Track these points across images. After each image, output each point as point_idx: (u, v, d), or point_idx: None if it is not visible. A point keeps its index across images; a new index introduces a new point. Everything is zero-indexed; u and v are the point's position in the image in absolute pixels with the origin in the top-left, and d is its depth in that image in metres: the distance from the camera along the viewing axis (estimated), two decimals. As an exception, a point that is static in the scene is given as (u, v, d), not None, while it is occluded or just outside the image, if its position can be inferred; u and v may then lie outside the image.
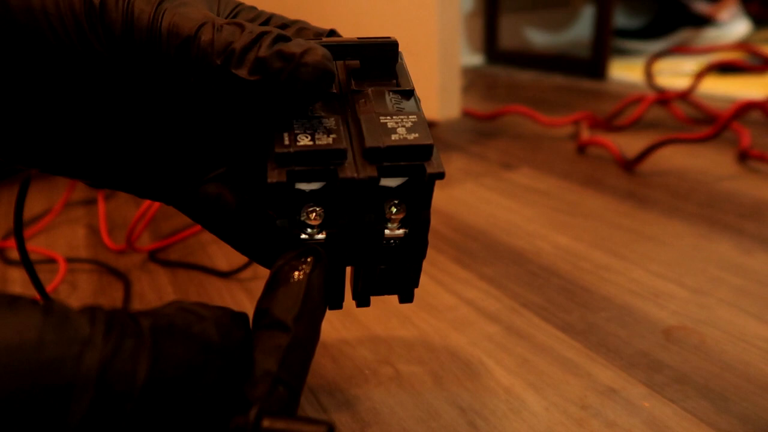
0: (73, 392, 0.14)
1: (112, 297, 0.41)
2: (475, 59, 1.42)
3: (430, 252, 0.46)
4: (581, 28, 1.47)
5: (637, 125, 0.80)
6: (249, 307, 0.22)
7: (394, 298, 0.25)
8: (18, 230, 0.29)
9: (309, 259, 0.20)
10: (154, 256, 0.47)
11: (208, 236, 0.49)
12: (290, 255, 0.20)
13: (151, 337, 0.16)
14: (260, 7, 0.24)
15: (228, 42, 0.19)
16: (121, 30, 0.20)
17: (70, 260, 0.47)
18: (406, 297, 0.24)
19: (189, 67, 0.20)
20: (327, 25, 0.25)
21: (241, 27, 0.20)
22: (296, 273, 0.20)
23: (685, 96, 0.83)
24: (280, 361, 0.18)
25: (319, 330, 0.20)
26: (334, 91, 0.23)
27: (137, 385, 0.15)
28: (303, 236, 0.21)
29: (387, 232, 0.21)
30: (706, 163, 0.64)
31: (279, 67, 0.19)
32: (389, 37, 0.23)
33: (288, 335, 0.18)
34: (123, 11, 0.20)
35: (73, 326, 0.15)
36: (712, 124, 0.73)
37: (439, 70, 0.72)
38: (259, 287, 0.27)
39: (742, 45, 1.04)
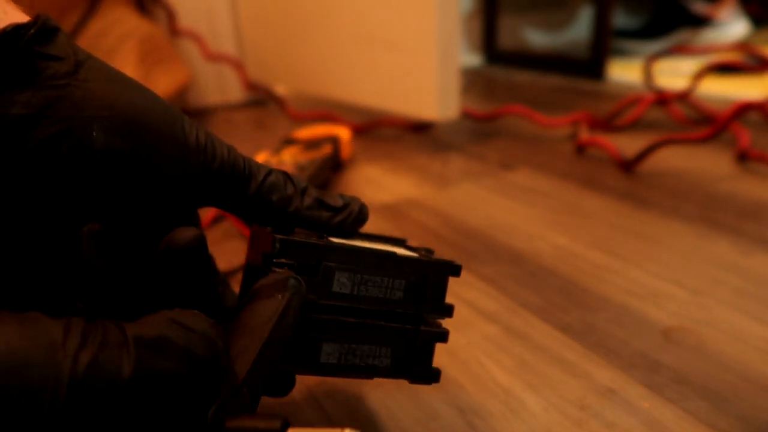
0: (43, 395, 0.15)
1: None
2: (475, 60, 1.42)
3: (429, 252, 0.46)
4: (580, 29, 1.47)
5: (636, 126, 0.80)
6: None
7: None
8: None
9: (289, 286, 0.21)
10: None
11: (211, 237, 0.49)
12: (273, 277, 0.21)
13: (135, 347, 0.17)
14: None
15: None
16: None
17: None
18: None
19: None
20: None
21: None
22: (277, 293, 0.21)
23: (684, 96, 0.83)
24: (250, 367, 0.19)
25: (283, 350, 0.21)
26: None
27: (118, 387, 0.16)
28: None
29: None
30: (704, 163, 0.64)
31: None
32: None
33: (260, 343, 0.20)
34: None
35: (45, 333, 0.16)
36: (711, 125, 0.73)
37: (438, 70, 0.72)
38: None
39: (741, 45, 1.04)
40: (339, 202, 0.26)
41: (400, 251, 0.25)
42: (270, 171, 0.24)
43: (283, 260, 0.22)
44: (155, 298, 0.22)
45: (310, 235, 0.24)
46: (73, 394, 0.15)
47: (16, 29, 0.19)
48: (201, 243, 0.21)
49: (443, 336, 0.25)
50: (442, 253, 0.46)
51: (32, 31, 0.19)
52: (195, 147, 0.22)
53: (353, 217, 0.26)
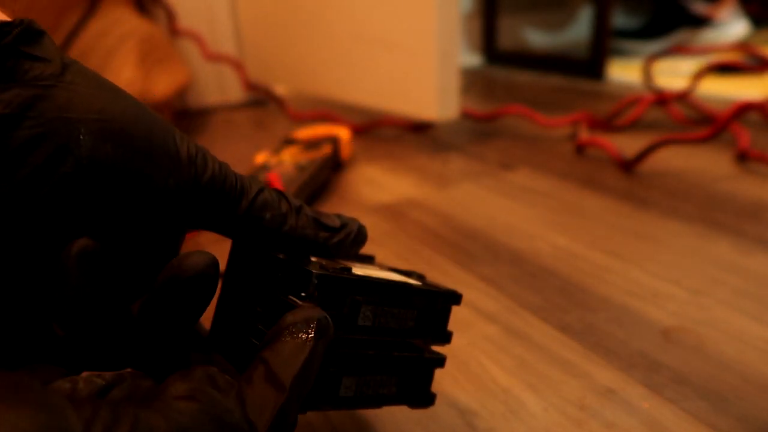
0: None
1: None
2: (474, 60, 1.42)
3: (429, 253, 0.46)
4: (580, 29, 1.47)
5: (635, 126, 0.80)
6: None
7: None
8: None
9: (313, 325, 0.19)
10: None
11: (206, 238, 0.49)
12: (301, 314, 0.19)
13: None
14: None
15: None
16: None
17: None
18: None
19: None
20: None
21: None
22: (303, 334, 0.19)
23: (683, 96, 0.83)
24: (270, 423, 0.17)
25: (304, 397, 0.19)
26: None
27: None
28: None
29: None
30: (704, 163, 0.64)
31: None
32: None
33: (282, 397, 0.18)
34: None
35: (62, 426, 0.14)
36: (711, 125, 0.73)
37: (438, 70, 0.72)
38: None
39: (741, 45, 1.04)
40: (336, 222, 0.24)
41: (412, 282, 0.25)
42: (263, 188, 0.23)
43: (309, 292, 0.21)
44: (147, 328, 0.20)
45: (332, 264, 0.23)
46: None
47: (0, 27, 0.18)
48: (216, 270, 0.20)
49: (442, 362, 0.26)
50: (442, 252, 0.46)
51: (18, 30, 0.18)
52: (186, 159, 0.21)
53: (351, 238, 0.24)
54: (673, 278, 0.41)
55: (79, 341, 0.19)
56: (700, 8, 1.32)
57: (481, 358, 0.33)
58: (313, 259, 0.23)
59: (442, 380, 0.31)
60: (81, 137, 0.19)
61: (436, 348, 0.27)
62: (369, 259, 0.29)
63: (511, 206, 0.55)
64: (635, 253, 0.45)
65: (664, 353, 0.33)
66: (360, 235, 0.25)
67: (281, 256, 0.22)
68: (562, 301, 0.39)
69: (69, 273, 0.18)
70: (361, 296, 0.22)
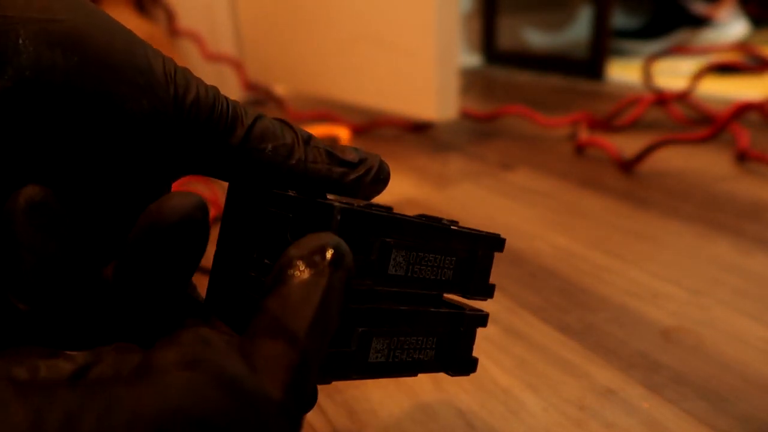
0: None
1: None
2: (474, 60, 1.42)
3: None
4: (579, 29, 1.47)
5: (635, 126, 0.80)
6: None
7: None
8: None
9: (329, 256, 0.15)
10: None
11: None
12: (307, 244, 0.15)
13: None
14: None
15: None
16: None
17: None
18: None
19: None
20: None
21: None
22: (313, 268, 0.15)
23: (683, 97, 0.83)
24: (287, 385, 0.14)
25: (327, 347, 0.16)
26: None
27: None
28: None
29: None
30: (704, 163, 0.64)
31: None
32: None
33: (297, 352, 0.14)
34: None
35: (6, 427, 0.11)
36: (711, 125, 0.73)
37: (437, 70, 0.72)
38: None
39: (741, 46, 1.04)
40: (354, 156, 0.20)
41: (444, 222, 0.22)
42: (261, 115, 0.19)
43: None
44: (127, 295, 0.16)
45: (353, 202, 0.19)
46: None
47: None
48: (205, 214, 0.15)
49: (485, 319, 0.22)
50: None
51: None
52: (162, 75, 0.17)
53: (372, 175, 0.20)
54: (673, 278, 0.41)
55: (48, 317, 0.15)
56: (700, 8, 1.32)
57: (481, 358, 0.33)
58: (329, 196, 0.19)
59: (441, 380, 0.31)
60: (21, 42, 0.14)
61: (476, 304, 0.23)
62: (386, 210, 0.26)
63: (511, 206, 0.55)
64: (635, 253, 0.45)
65: (663, 353, 0.33)
66: (381, 172, 0.20)
67: (291, 193, 0.18)
68: (561, 301, 0.39)
69: (18, 231, 0.14)
70: (391, 238, 0.18)
